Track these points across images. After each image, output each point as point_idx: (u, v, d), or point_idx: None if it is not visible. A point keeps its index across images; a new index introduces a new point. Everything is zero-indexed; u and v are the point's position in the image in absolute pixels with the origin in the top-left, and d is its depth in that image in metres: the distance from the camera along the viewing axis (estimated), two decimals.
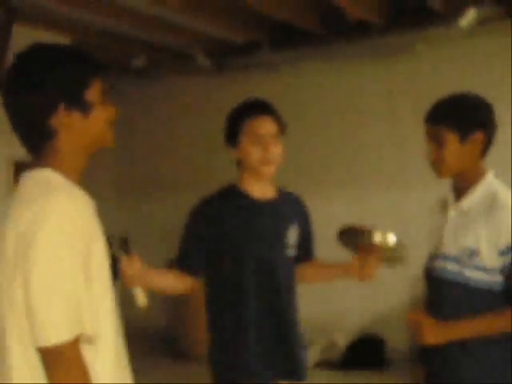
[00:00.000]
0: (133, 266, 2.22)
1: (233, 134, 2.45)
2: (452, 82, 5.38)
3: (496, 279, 2.07)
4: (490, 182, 2.18)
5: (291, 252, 2.50)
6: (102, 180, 6.50)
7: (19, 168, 4.65)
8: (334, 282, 2.91)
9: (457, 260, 2.14)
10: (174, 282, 2.49)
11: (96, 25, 4.92)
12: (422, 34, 4.98)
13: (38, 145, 1.58)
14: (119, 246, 2.22)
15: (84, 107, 1.57)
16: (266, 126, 2.41)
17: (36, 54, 1.58)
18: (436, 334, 2.07)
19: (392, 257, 2.46)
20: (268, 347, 2.42)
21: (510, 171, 4.64)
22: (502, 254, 2.05)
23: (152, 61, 5.92)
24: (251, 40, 5.49)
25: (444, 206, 2.30)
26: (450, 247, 2.18)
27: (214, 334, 2.50)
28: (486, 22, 4.77)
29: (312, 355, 5.44)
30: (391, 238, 2.36)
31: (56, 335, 1.43)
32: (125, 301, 1.99)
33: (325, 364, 5.46)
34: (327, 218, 4.46)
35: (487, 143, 2.17)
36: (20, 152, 5.15)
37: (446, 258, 2.18)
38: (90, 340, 1.50)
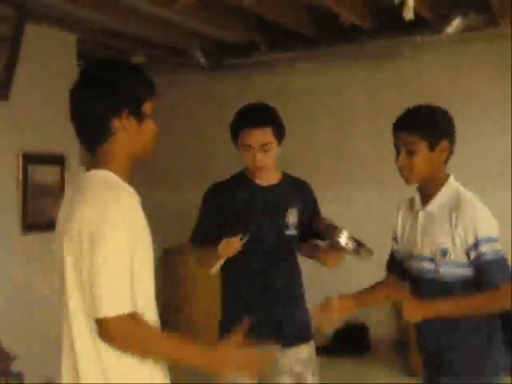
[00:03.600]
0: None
1: (234, 138, 2.79)
2: (435, 85, 5.70)
3: (468, 272, 2.27)
4: (453, 185, 2.38)
5: (292, 231, 2.79)
6: None
7: (27, 159, 4.85)
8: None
9: (432, 260, 2.33)
10: None
11: (99, 23, 5.08)
12: (409, 39, 5.21)
13: (98, 142, 1.84)
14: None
15: (140, 117, 1.85)
16: (255, 139, 2.69)
17: (112, 64, 1.91)
18: (417, 311, 2.23)
19: (355, 255, 2.68)
20: (261, 317, 2.65)
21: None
22: (470, 249, 2.24)
23: (151, 58, 6.11)
24: (248, 40, 5.70)
25: (412, 206, 2.49)
26: (424, 249, 2.36)
27: (223, 303, 2.86)
28: (471, 30, 5.04)
29: None
30: (351, 243, 2.59)
31: (108, 309, 1.68)
32: None
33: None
34: None
35: (451, 151, 2.38)
36: (28, 145, 5.32)
37: (421, 258, 2.37)
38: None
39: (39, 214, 4.95)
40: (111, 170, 1.84)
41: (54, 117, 5.15)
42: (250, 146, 2.70)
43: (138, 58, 6.02)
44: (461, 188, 2.38)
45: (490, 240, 2.23)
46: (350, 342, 5.86)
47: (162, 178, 6.82)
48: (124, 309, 1.69)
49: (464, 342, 2.34)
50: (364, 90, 6.09)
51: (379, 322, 5.93)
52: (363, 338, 5.91)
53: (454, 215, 2.28)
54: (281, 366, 2.74)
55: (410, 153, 2.32)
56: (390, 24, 5.27)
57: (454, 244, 2.27)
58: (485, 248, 2.22)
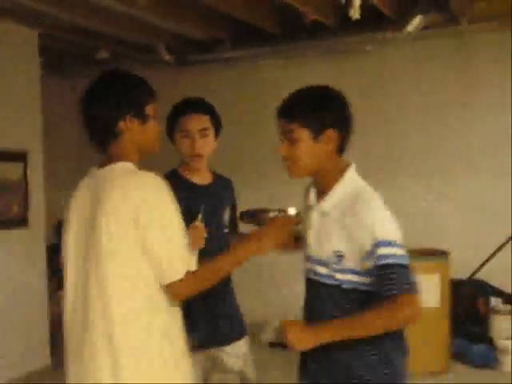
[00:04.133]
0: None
1: (170, 131, 2.80)
2: (396, 78, 5.83)
3: (367, 280, 1.97)
4: (351, 180, 2.07)
5: (226, 230, 2.83)
6: (69, 161, 6.73)
7: None
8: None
9: (326, 264, 2.04)
10: None
11: (62, 19, 5.04)
12: (371, 36, 5.30)
13: (107, 142, 2.07)
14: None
15: (143, 118, 2.09)
16: (193, 123, 2.74)
17: (116, 75, 2.15)
18: (304, 339, 1.91)
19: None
20: (205, 319, 2.72)
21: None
22: (368, 254, 1.93)
23: (116, 54, 6.08)
24: (213, 37, 5.72)
25: (306, 199, 2.20)
26: (318, 251, 2.08)
27: None
28: (431, 28, 5.14)
29: (266, 336, 5.78)
30: (291, 210, 2.43)
31: (178, 273, 1.94)
32: None
33: (278, 344, 5.78)
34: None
35: (342, 140, 2.07)
36: None
37: (315, 261, 2.09)
38: None
39: (0, 210, 4.91)
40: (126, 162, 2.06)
41: (17, 113, 5.11)
42: (188, 131, 2.72)
43: (101, 54, 5.99)
44: (360, 184, 2.08)
45: (390, 243, 1.92)
46: None
47: None
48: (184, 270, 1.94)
49: (354, 361, 2.01)
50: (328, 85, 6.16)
51: None
52: None
53: (349, 217, 1.98)
54: (224, 365, 2.77)
55: (291, 142, 2.04)
56: (353, 21, 5.34)
57: (350, 249, 1.97)
58: (383, 251, 1.90)
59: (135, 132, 2.07)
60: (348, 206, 2.00)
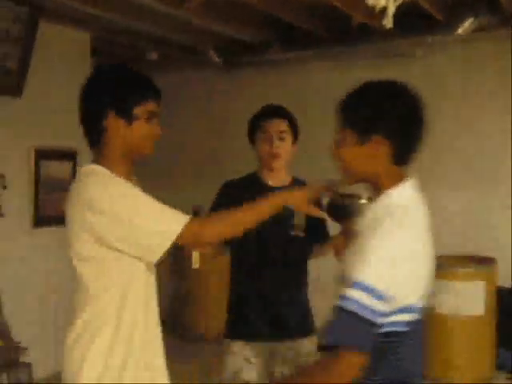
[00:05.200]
0: None
1: (251, 133, 2.97)
2: (447, 84, 5.72)
3: None
4: (395, 196, 1.80)
5: (299, 233, 2.84)
6: None
7: (39, 155, 4.95)
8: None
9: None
10: None
11: (113, 21, 5.14)
12: (421, 39, 5.23)
13: (94, 138, 2.06)
14: None
15: (129, 118, 2.01)
16: (273, 126, 2.90)
17: (110, 72, 2.10)
18: None
19: None
20: (262, 312, 2.84)
21: None
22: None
23: (165, 55, 6.17)
24: (261, 39, 5.75)
25: None
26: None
27: (229, 298, 2.97)
28: (482, 31, 5.04)
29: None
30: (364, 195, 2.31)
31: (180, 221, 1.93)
32: None
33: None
34: None
35: (398, 149, 1.81)
36: (40, 141, 5.44)
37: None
38: None
39: (50, 208, 5.04)
40: (103, 165, 2.03)
41: (67, 113, 5.22)
42: (268, 132, 2.88)
43: (151, 56, 6.09)
44: (396, 205, 1.78)
45: (359, 285, 1.61)
46: None
47: (175, 172, 6.87)
48: (183, 221, 1.91)
49: None
50: None
51: None
52: None
53: (364, 239, 1.73)
54: (284, 357, 2.86)
55: (340, 142, 1.88)
56: (402, 24, 5.27)
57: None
58: (347, 292, 1.61)
59: (119, 131, 2.01)
60: (373, 226, 1.71)
